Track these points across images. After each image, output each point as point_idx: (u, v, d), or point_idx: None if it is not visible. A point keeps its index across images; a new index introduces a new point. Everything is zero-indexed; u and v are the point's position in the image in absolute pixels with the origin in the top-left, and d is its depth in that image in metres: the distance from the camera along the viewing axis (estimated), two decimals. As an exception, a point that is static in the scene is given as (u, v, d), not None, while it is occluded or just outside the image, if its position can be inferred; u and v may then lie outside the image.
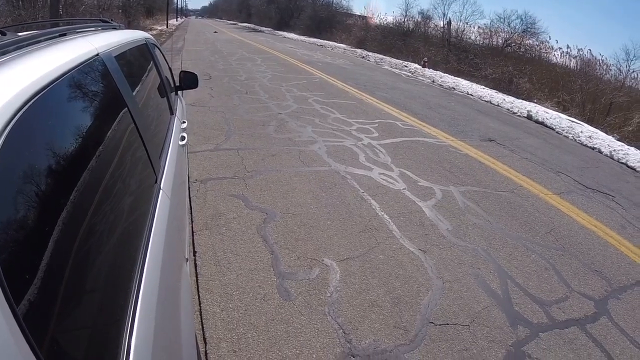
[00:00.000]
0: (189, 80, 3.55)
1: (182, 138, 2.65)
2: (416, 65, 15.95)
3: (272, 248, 3.23)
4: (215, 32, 28.21)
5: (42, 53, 0.98)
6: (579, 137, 8.11)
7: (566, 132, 8.38)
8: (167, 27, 27.12)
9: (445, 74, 14.38)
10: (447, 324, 2.65)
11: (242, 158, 4.95)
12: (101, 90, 1.27)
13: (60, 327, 0.66)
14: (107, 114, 1.24)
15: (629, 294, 3.26)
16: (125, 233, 1.11)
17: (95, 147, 1.02)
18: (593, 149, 7.63)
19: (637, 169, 6.71)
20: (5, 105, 0.65)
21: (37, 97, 0.76)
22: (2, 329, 0.49)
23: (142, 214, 1.29)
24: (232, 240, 3.29)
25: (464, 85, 12.60)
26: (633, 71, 13.97)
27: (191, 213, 3.60)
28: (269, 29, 35.22)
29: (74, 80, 1.03)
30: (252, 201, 3.92)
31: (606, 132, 9.01)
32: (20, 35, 1.07)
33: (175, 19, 38.78)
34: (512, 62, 16.25)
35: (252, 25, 40.41)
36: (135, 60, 2.12)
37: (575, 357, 2.53)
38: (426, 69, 15.24)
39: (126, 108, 1.38)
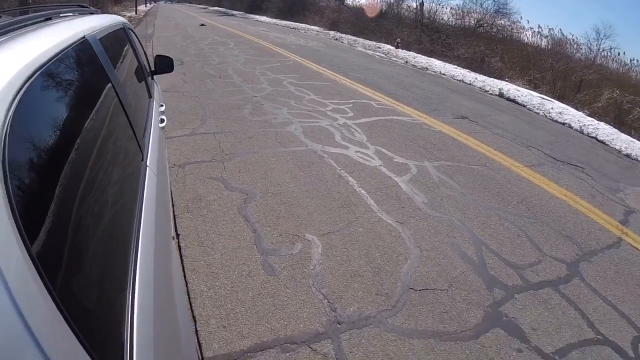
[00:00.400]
0: (164, 64, 3.53)
1: (162, 120, 2.66)
2: (389, 47, 15.98)
3: (254, 227, 3.27)
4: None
5: (35, 35, 0.99)
6: (549, 113, 8.32)
7: (537, 109, 8.58)
8: (136, 13, 26.22)
9: (419, 55, 14.47)
10: (427, 289, 2.76)
11: (219, 141, 4.94)
12: (90, 71, 1.30)
13: (73, 285, 0.70)
14: (96, 93, 1.26)
15: (600, 257, 3.44)
16: (119, 208, 1.13)
17: (88, 126, 1.05)
18: (563, 124, 7.85)
19: (607, 143, 6.96)
20: (10, 81, 0.68)
21: (35, 75, 0.78)
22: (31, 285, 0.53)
23: (132, 190, 1.32)
24: (214, 221, 3.32)
25: (437, 65, 12.72)
26: (603, 50, 14.38)
27: (171, 197, 3.59)
28: (241, 12, 34.53)
29: (66, 62, 1.05)
30: (231, 183, 3.94)
31: (576, 109, 9.26)
32: (15, 18, 1.09)
33: (144, 5, 37.59)
34: (484, 42, 16.45)
35: (223, 9, 39.50)
36: (116, 44, 2.12)
37: (550, 315, 2.68)
38: (399, 50, 15.29)
39: (113, 89, 1.41)
